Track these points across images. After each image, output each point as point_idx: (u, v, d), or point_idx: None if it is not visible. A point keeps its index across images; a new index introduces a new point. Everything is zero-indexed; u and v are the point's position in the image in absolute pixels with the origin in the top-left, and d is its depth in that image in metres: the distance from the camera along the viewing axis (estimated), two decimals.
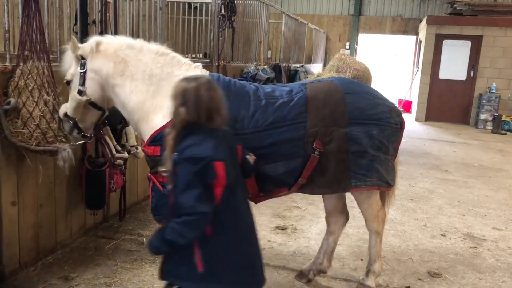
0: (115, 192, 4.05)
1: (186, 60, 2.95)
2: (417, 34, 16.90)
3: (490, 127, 12.84)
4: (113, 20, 4.36)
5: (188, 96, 2.06)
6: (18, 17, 3.33)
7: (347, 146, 2.90)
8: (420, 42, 15.67)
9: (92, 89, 2.85)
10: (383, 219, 3.37)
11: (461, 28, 13.44)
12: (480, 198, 6.20)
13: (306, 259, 3.95)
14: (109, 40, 2.88)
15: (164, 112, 2.74)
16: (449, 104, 13.90)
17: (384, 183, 3.08)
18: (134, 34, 5.25)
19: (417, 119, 14.09)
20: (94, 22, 4.15)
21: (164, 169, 2.10)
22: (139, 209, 4.92)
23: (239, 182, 2.26)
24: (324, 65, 15.79)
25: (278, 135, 2.80)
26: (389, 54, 18.52)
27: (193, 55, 8.45)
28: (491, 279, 3.87)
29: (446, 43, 13.70)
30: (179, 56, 2.94)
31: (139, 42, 2.89)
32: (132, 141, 4.06)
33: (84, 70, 2.80)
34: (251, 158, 2.53)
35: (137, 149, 4.08)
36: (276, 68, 8.95)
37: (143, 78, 2.79)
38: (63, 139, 3.23)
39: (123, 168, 3.96)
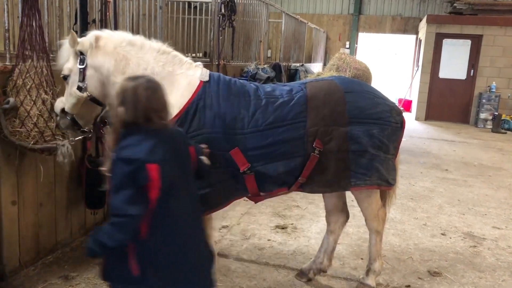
0: None
1: (187, 59, 2.94)
2: (417, 33, 16.90)
3: (490, 126, 12.84)
4: (113, 19, 4.36)
5: (126, 96, 2.03)
6: (18, 17, 3.32)
7: (347, 145, 2.90)
8: (420, 41, 15.67)
9: (92, 86, 2.77)
10: (383, 218, 3.37)
11: (461, 27, 13.43)
12: (480, 197, 6.20)
13: (306, 258, 3.95)
14: (108, 35, 2.80)
15: None
16: (449, 103, 13.89)
17: (384, 182, 3.08)
18: (134, 33, 5.23)
19: (417, 118, 14.09)
20: (94, 21, 4.14)
21: (104, 169, 2.08)
22: None
23: (185, 185, 2.19)
24: (324, 64, 15.79)
25: (278, 135, 2.80)
26: (389, 53, 18.53)
27: (193, 54, 8.44)
28: (491, 278, 3.87)
29: (446, 42, 13.69)
30: (180, 55, 2.93)
31: (140, 39, 2.85)
32: None
33: (83, 66, 2.71)
34: (205, 159, 2.48)
35: None
36: (276, 68, 8.94)
37: None
38: (61, 138, 3.22)
39: None
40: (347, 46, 17.63)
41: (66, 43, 2.76)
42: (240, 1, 7.87)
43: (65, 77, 2.80)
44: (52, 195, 3.71)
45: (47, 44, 3.31)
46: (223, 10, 6.74)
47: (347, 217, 3.59)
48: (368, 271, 3.47)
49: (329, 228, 3.58)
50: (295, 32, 12.21)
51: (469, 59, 13.59)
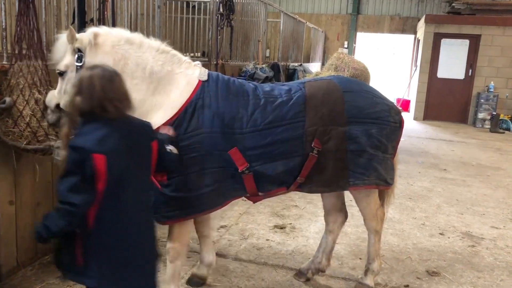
0: None
1: (186, 59, 2.93)
2: (415, 33, 16.91)
3: (488, 126, 12.85)
4: (111, 18, 4.35)
5: (82, 86, 2.04)
6: (15, 16, 3.31)
7: (346, 145, 2.89)
8: (418, 41, 15.68)
9: None
10: (382, 218, 3.37)
11: (459, 27, 13.45)
12: (478, 196, 6.20)
13: (305, 258, 3.94)
14: (106, 32, 2.74)
15: (164, 110, 2.73)
16: (447, 103, 13.91)
17: (382, 181, 3.08)
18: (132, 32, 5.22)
19: (415, 118, 14.10)
20: (92, 20, 4.13)
21: (58, 158, 2.09)
22: None
23: (138, 179, 2.17)
24: (323, 64, 15.80)
25: (277, 134, 2.79)
26: (387, 53, 18.55)
27: (192, 54, 8.42)
28: (490, 278, 3.87)
29: (444, 42, 13.70)
30: (179, 54, 2.91)
31: (138, 37, 2.81)
32: None
33: (81, 64, 2.64)
34: (173, 149, 2.47)
35: None
36: (275, 67, 8.94)
37: (143, 76, 2.74)
38: (54, 138, 3.19)
39: None
40: (346, 45, 17.64)
41: (63, 37, 2.68)
42: (239, 1, 7.86)
43: (61, 73, 2.73)
44: (50, 195, 3.70)
45: (44, 43, 3.29)
46: (221, 10, 6.74)
47: (346, 217, 3.59)
48: (366, 271, 3.47)
49: (328, 228, 3.57)
50: (293, 31, 12.21)
51: (467, 59, 13.60)
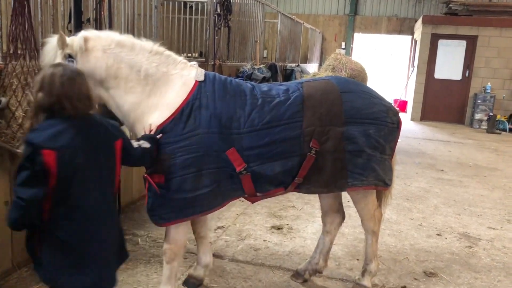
0: None
1: (181, 59, 2.91)
2: (412, 34, 16.95)
3: (485, 127, 12.88)
4: (108, 18, 4.33)
5: (44, 82, 2.09)
6: (11, 15, 3.29)
7: (344, 145, 2.89)
8: (416, 41, 15.70)
9: None
10: (379, 219, 3.36)
11: (456, 28, 13.48)
12: (475, 197, 6.21)
13: (302, 259, 3.93)
14: (95, 36, 2.70)
15: (160, 111, 2.71)
16: (444, 103, 13.94)
17: (381, 182, 3.07)
18: (129, 33, 5.19)
19: (412, 119, 14.12)
20: (88, 20, 4.11)
21: (19, 150, 2.12)
22: (134, 209, 4.89)
23: (96, 177, 2.19)
24: (320, 65, 15.82)
25: (275, 134, 2.78)
26: (385, 54, 18.56)
27: (189, 54, 8.42)
28: (487, 279, 3.87)
29: (442, 43, 13.73)
30: (173, 55, 2.89)
31: (129, 39, 2.77)
32: None
33: None
34: (143, 143, 2.52)
35: None
36: (272, 68, 8.94)
37: (138, 79, 2.72)
38: None
39: None
40: (343, 46, 17.67)
41: (53, 42, 2.63)
42: (236, 1, 7.86)
43: None
44: None
45: (39, 44, 3.26)
46: (218, 10, 6.73)
47: (343, 217, 3.58)
48: (364, 272, 3.46)
49: (325, 228, 3.56)
50: (291, 32, 12.21)
51: (464, 60, 13.64)
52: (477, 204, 5.91)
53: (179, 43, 9.08)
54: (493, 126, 12.62)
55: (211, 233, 4.33)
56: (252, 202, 3.12)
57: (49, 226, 2.08)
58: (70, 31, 3.89)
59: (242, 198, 3.04)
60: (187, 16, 9.02)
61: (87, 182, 2.13)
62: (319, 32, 17.24)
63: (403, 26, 17.21)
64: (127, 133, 4.01)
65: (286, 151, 2.82)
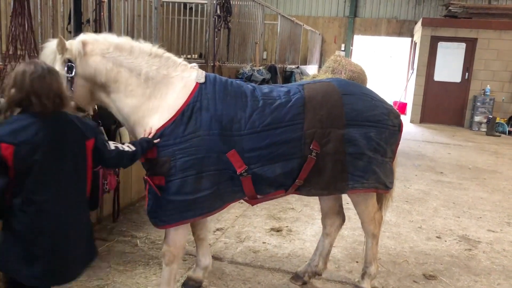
0: (108, 193, 4.00)
1: (181, 61, 2.90)
2: (412, 36, 16.96)
3: (485, 129, 12.89)
4: (108, 19, 4.33)
5: (16, 79, 2.17)
6: (10, 16, 3.28)
7: (344, 148, 2.88)
8: (415, 44, 15.72)
9: (80, 95, 2.68)
10: (379, 222, 3.36)
11: (456, 31, 13.49)
12: (475, 200, 6.20)
13: (301, 261, 3.92)
14: (93, 40, 2.69)
15: (160, 114, 2.70)
16: (443, 106, 13.94)
17: (381, 185, 3.07)
18: (129, 34, 5.21)
19: (412, 121, 14.12)
20: (88, 21, 4.11)
21: None
22: (133, 211, 4.88)
23: (62, 174, 2.25)
24: (320, 67, 15.83)
25: (276, 136, 2.78)
26: (384, 56, 18.58)
27: (188, 56, 8.42)
28: (487, 282, 3.86)
29: (441, 45, 13.74)
30: (173, 57, 2.88)
31: (127, 42, 2.76)
32: (126, 141, 4.01)
33: (72, 75, 2.60)
34: (121, 146, 2.53)
35: None
36: (272, 69, 8.95)
37: (138, 82, 2.72)
38: None
39: (116, 169, 3.92)
40: (343, 48, 17.68)
41: (51, 46, 2.62)
42: (236, 3, 7.86)
43: None
44: None
45: (39, 44, 3.26)
46: (218, 12, 6.73)
47: (343, 220, 3.57)
48: (363, 275, 3.45)
49: (325, 231, 3.55)
50: (290, 34, 12.22)
51: (464, 62, 13.64)
52: (477, 206, 5.91)
53: (179, 45, 9.08)
54: (493, 128, 12.63)
55: (210, 235, 4.32)
56: (253, 205, 3.12)
57: (7, 216, 2.16)
58: (70, 32, 3.89)
59: (241, 200, 3.03)
60: (187, 18, 9.02)
61: (44, 178, 2.19)
62: (319, 34, 17.25)
63: (402, 28, 17.24)
64: (126, 136, 4.02)
65: (286, 153, 2.81)
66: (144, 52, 2.77)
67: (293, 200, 5.51)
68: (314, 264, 3.57)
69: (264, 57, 12.08)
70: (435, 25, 13.73)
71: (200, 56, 8.35)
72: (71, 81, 2.62)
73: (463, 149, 10.11)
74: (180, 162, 2.63)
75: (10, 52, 3.11)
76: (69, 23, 3.95)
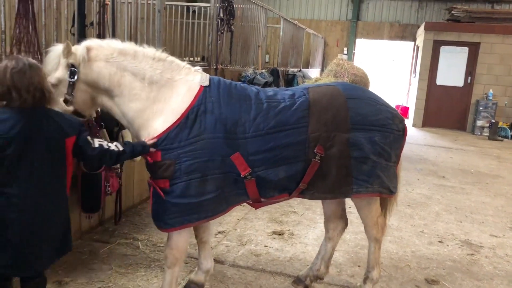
0: (110, 195, 4.01)
1: (185, 64, 2.90)
2: (414, 40, 16.96)
3: (487, 134, 12.87)
4: (111, 22, 4.34)
5: None
6: (15, 18, 3.29)
7: (349, 152, 2.88)
8: (418, 48, 15.72)
9: (81, 100, 2.71)
10: (382, 226, 3.35)
11: (459, 35, 13.49)
12: (477, 204, 6.19)
13: (303, 265, 3.91)
14: (97, 45, 2.72)
15: (165, 117, 2.71)
16: (446, 110, 13.93)
17: (385, 189, 3.06)
18: (132, 37, 5.23)
19: (414, 125, 14.11)
20: (91, 24, 4.12)
21: None
22: (135, 213, 4.88)
23: (37, 168, 2.32)
24: (322, 70, 15.83)
25: (280, 139, 2.77)
26: (387, 60, 18.58)
27: (191, 59, 8.43)
28: (489, 287, 3.85)
29: (444, 49, 13.74)
30: (177, 61, 2.89)
31: (131, 47, 2.79)
32: None
33: (74, 80, 2.62)
34: (106, 145, 2.57)
35: None
36: (274, 73, 8.95)
37: (142, 86, 2.73)
38: None
39: (119, 171, 3.93)
40: (345, 52, 17.69)
41: (56, 50, 2.66)
42: (239, 6, 7.87)
43: (52, 85, 2.66)
44: None
45: (43, 46, 3.27)
46: (221, 15, 6.74)
47: (346, 224, 3.56)
48: (365, 279, 3.44)
49: (328, 235, 3.54)
50: (293, 37, 12.23)
51: (467, 67, 13.64)
52: (479, 211, 5.89)
53: (182, 48, 9.10)
54: (495, 133, 12.61)
55: (212, 238, 4.32)
56: (256, 208, 3.11)
57: None
58: (74, 34, 3.90)
59: (245, 203, 3.03)
60: (190, 21, 9.04)
61: (15, 171, 2.26)
62: (321, 38, 17.26)
63: (405, 32, 17.24)
64: (129, 138, 4.02)
65: (290, 156, 2.81)
66: (148, 56, 2.78)
67: (295, 203, 5.51)
68: (316, 268, 3.56)
69: (267, 60, 12.10)
70: (437, 29, 13.74)
71: (203, 59, 8.36)
72: (72, 86, 2.65)
73: (466, 154, 10.09)
74: (184, 165, 2.63)
75: (14, 54, 3.11)
76: (72, 25, 3.96)
